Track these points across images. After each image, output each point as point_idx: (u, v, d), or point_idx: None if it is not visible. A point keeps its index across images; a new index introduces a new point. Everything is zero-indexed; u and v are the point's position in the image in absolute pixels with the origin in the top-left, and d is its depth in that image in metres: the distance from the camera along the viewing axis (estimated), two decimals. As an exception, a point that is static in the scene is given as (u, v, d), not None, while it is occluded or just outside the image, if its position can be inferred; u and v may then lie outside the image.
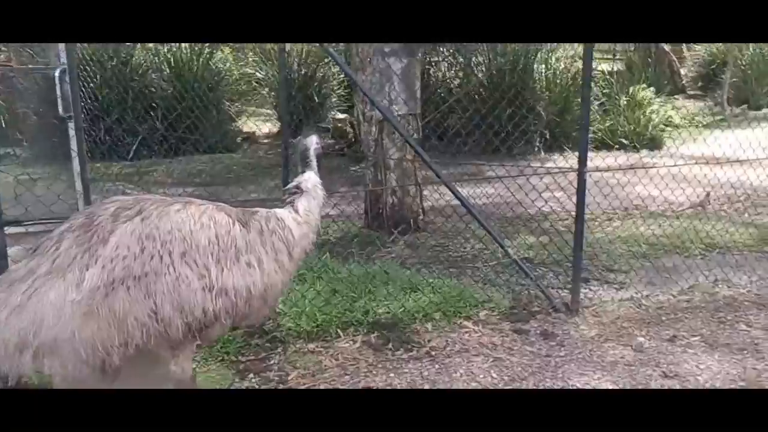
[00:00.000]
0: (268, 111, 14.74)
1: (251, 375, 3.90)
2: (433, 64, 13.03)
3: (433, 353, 4.22)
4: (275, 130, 14.59)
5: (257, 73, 14.41)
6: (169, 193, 9.02)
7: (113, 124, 10.47)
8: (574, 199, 4.86)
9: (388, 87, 6.58)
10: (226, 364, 4.00)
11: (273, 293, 3.02)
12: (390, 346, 4.29)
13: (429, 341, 4.37)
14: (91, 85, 10.27)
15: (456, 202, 5.39)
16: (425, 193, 7.45)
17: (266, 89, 14.42)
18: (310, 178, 3.22)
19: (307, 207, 3.15)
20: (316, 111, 13.28)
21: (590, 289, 5.39)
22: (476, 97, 11.97)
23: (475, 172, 10.20)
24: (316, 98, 13.34)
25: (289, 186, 3.24)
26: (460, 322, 4.65)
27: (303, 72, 13.36)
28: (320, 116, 13.41)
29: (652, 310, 4.95)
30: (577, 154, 4.87)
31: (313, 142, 3.31)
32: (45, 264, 2.57)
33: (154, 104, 11.10)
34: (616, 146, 12.24)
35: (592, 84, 13.12)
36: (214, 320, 2.77)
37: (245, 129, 13.50)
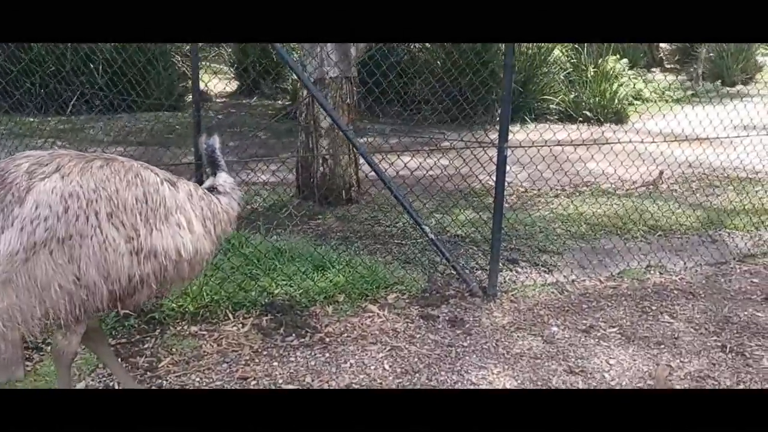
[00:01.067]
0: (225, 69, 14.16)
1: (119, 360, 3.55)
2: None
3: (327, 340, 3.90)
4: (231, 89, 14.04)
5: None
6: (105, 151, 8.56)
7: (47, 76, 9.84)
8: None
9: (320, 47, 6.11)
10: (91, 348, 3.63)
11: (200, 259, 2.79)
12: (281, 330, 3.96)
13: (326, 326, 4.04)
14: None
15: (394, 173, 5.05)
16: (361, 162, 7.05)
17: (224, 45, 13.81)
18: (226, 181, 3.08)
19: (228, 203, 3.01)
20: (274, 69, 12.71)
21: (516, 272, 5.09)
22: (438, 63, 11.53)
23: (428, 142, 9.82)
24: (273, 57, 12.74)
25: (205, 186, 3.05)
26: (365, 306, 4.32)
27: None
28: (277, 75, 12.88)
29: (574, 297, 4.67)
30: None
31: (217, 141, 3.19)
32: None
33: (94, 56, 10.45)
34: (580, 119, 11.88)
35: (560, 52, 12.81)
36: (141, 286, 2.56)
37: (201, 87, 12.93)
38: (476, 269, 5.06)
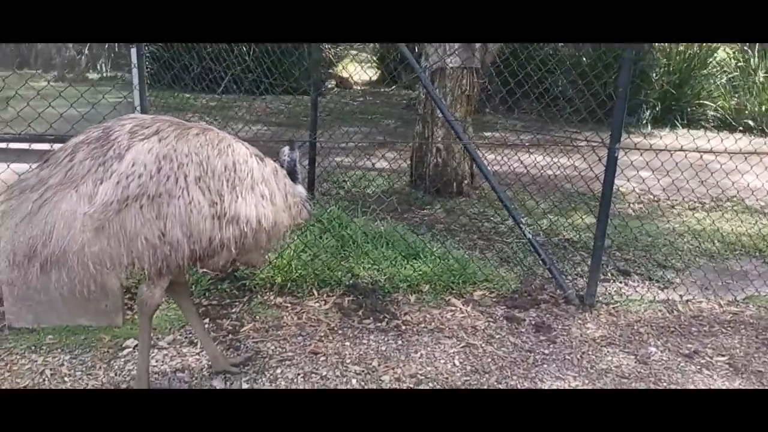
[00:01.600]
0: (371, 57, 14.51)
1: (207, 320, 3.78)
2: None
3: (403, 328, 3.87)
4: (374, 78, 14.36)
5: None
6: (247, 129, 9.16)
7: (204, 54, 10.64)
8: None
9: (444, 36, 6.03)
10: (187, 305, 3.90)
11: (278, 231, 2.92)
12: (360, 312, 3.99)
13: (405, 314, 4.02)
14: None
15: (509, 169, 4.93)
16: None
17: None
18: (302, 193, 3.16)
19: (303, 206, 3.14)
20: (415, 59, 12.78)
21: (624, 284, 4.72)
22: (583, 59, 10.95)
23: (555, 140, 9.37)
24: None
25: None
26: (449, 299, 4.24)
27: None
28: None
29: (684, 318, 4.24)
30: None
31: (297, 154, 3.27)
32: (58, 174, 2.49)
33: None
34: (740, 128, 10.72)
35: (725, 54, 11.61)
36: (220, 249, 2.69)
37: (344, 74, 13.36)
38: (580, 276, 4.77)
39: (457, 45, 6.02)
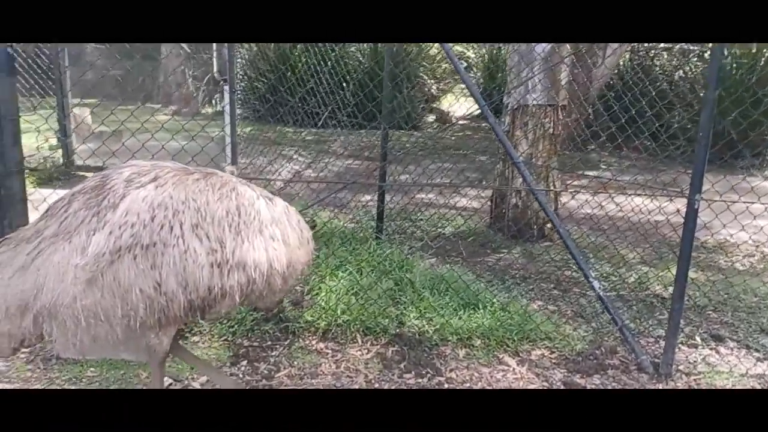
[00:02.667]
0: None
1: (244, 362, 3.72)
2: (646, 51, 11.27)
3: (445, 386, 3.60)
4: (477, 112, 14.10)
5: (467, 52, 14.03)
6: (337, 162, 9.28)
7: (306, 93, 10.97)
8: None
9: (527, 72, 5.76)
10: (229, 345, 3.87)
11: (294, 271, 2.80)
12: (403, 365, 3.76)
13: (450, 371, 3.74)
14: (287, 53, 10.88)
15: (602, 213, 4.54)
16: (564, 199, 6.48)
17: (474, 70, 13.97)
18: None
19: None
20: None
21: (715, 351, 4.14)
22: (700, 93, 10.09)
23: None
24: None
25: None
26: (502, 357, 3.90)
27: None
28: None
29: (783, 400, 3.60)
30: None
31: None
32: (53, 225, 2.50)
33: (348, 77, 11.38)
34: None
35: None
36: (221, 298, 2.59)
37: (445, 108, 13.28)
38: (662, 339, 4.24)
39: (539, 82, 5.71)
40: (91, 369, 3.56)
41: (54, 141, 7.88)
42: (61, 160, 7.60)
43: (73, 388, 3.39)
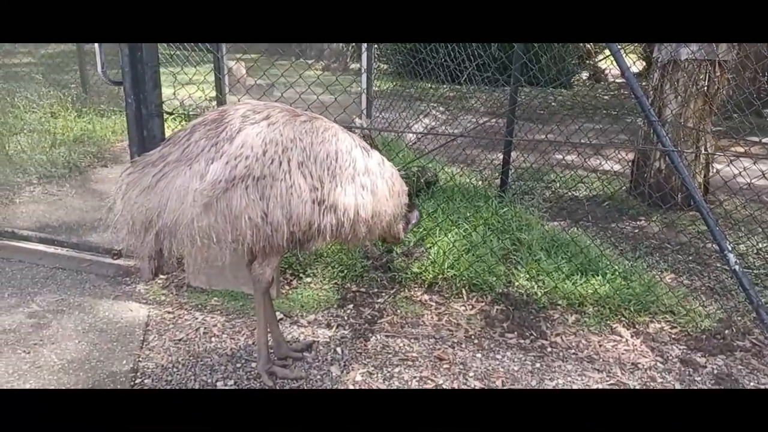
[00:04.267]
0: (636, 47, 13.16)
1: (351, 306, 3.87)
2: None
3: (548, 350, 3.48)
4: (636, 70, 13.02)
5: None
6: (475, 120, 9.12)
7: (451, 50, 10.79)
8: None
9: (681, 22, 5.18)
10: (337, 288, 4.03)
11: (380, 222, 2.92)
12: (506, 324, 3.69)
13: (556, 335, 3.60)
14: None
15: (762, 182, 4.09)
16: (720, 165, 5.82)
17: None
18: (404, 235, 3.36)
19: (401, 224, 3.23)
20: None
21: None
22: None
23: None
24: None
25: None
26: (615, 327, 3.67)
27: None
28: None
29: None
30: None
31: (414, 218, 3.42)
32: (176, 152, 2.72)
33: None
34: None
35: None
36: (317, 235, 2.78)
37: (601, 65, 12.44)
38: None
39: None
40: (215, 298, 3.90)
41: (213, 93, 8.55)
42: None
43: (198, 313, 3.74)
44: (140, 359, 3.27)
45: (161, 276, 4.10)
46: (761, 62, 6.18)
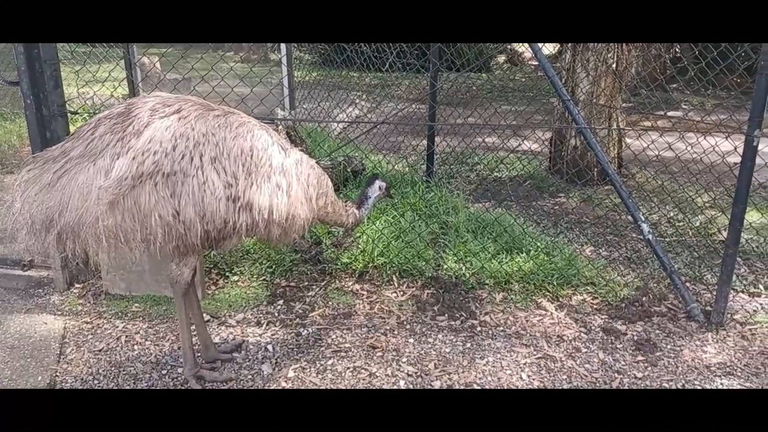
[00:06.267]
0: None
1: (281, 301, 3.81)
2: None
3: (477, 329, 3.54)
4: (549, 52, 13.42)
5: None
6: (402, 107, 9.14)
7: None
8: None
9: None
10: (266, 284, 3.96)
11: (295, 225, 2.82)
12: (436, 308, 3.73)
13: (485, 314, 3.67)
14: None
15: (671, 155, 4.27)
16: (631, 140, 6.08)
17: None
18: (357, 216, 3.28)
19: (342, 208, 3.15)
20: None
21: (780, 301, 3.84)
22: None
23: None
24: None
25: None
26: (540, 301, 3.78)
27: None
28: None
29: None
30: None
31: (375, 189, 3.35)
32: (79, 147, 2.58)
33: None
34: None
35: None
36: (233, 233, 2.68)
37: (518, 48, 12.72)
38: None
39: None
40: (136, 304, 3.75)
41: (125, 89, 8.19)
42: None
43: (118, 322, 3.58)
44: (57, 374, 3.10)
45: (77, 285, 3.90)
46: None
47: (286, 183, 2.71)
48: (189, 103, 2.65)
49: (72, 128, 3.78)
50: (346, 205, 3.17)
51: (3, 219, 2.63)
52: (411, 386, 3.06)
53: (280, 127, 4.82)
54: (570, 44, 5.65)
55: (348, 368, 3.19)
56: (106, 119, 2.57)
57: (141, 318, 3.62)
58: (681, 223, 4.96)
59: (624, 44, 5.47)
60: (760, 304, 3.78)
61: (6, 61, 3.82)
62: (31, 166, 2.58)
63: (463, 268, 4.02)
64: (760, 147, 3.28)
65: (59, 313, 3.65)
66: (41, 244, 2.53)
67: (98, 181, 2.46)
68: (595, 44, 5.44)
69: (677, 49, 10.70)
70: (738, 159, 3.34)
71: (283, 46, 7.14)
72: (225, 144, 2.59)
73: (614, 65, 5.46)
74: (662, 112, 7.94)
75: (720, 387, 3.04)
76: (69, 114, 3.68)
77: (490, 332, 3.50)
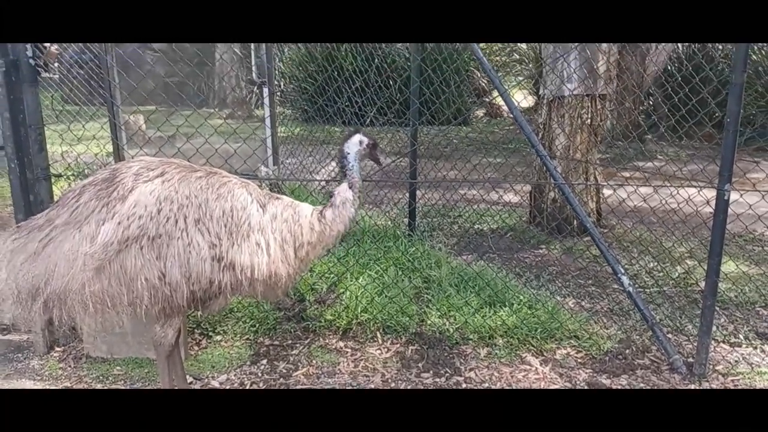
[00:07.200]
0: (526, 83, 13.95)
1: (264, 361, 3.77)
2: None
3: (463, 386, 3.53)
4: (529, 104, 13.78)
5: (520, 45, 13.70)
6: (386, 160, 9.27)
7: (353, 93, 11.02)
8: None
9: (561, 62, 5.57)
10: (250, 344, 3.93)
11: (278, 282, 2.83)
12: (421, 364, 3.72)
13: (470, 370, 3.66)
14: (335, 53, 10.94)
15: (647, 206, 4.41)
16: (609, 192, 6.21)
17: (525, 61, 13.66)
18: (340, 193, 2.95)
19: (331, 218, 2.92)
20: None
21: (761, 350, 3.88)
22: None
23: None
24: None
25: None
26: (525, 357, 3.79)
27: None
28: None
29: (831, 404, 3.33)
30: None
31: (354, 144, 3.01)
32: (64, 214, 2.61)
33: (395, 75, 11.34)
34: None
35: None
36: (218, 293, 2.70)
37: (496, 102, 13.04)
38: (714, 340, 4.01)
39: (575, 71, 5.51)
40: (118, 367, 3.70)
41: (110, 148, 8.24)
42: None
43: (99, 386, 3.53)
44: (35, 442, 3.02)
45: (57, 348, 3.85)
46: (636, 95, 6.70)
47: (264, 242, 2.74)
48: (172, 166, 2.70)
49: (55, 189, 3.81)
50: (324, 222, 2.91)
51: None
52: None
53: (263, 183, 4.88)
54: (545, 100, 5.83)
55: (333, 429, 3.15)
56: (91, 185, 2.61)
57: (122, 381, 3.57)
58: (660, 274, 5.04)
59: (597, 99, 5.65)
60: (741, 354, 3.82)
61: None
62: (16, 235, 2.60)
63: (447, 323, 4.03)
64: (733, 197, 3.39)
65: (39, 377, 3.58)
66: (27, 312, 2.53)
67: (84, 247, 2.49)
68: (570, 100, 5.61)
69: (650, 103, 11.05)
70: (711, 209, 3.44)
71: (266, 104, 7.28)
72: (208, 205, 2.64)
73: (589, 120, 5.63)
74: (639, 164, 8.14)
75: (705, 440, 3.04)
76: (53, 176, 3.71)
77: (476, 389, 3.49)
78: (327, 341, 3.96)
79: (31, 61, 3.42)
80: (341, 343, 3.94)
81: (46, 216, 2.63)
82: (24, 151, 3.52)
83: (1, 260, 2.58)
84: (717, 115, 8.64)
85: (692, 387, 3.49)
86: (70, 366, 3.70)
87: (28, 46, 3.39)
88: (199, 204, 2.62)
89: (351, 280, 4.39)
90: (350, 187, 2.97)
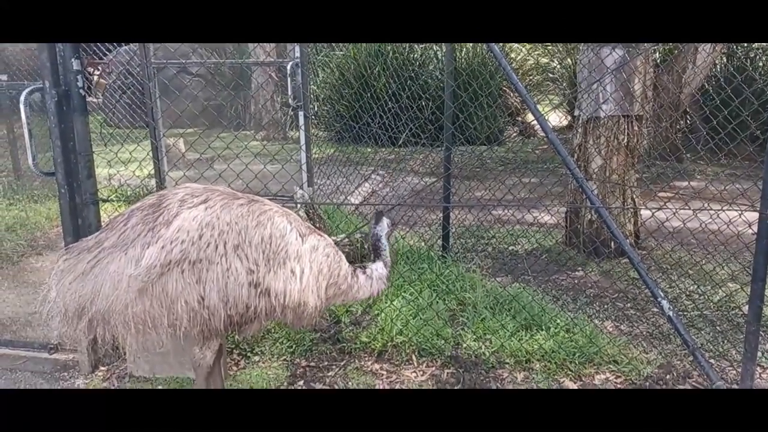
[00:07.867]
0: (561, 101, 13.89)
1: (301, 382, 3.82)
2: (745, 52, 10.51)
3: (499, 410, 3.50)
4: (561, 123, 13.72)
5: (552, 63, 13.69)
6: (419, 180, 9.33)
7: (385, 113, 11.13)
8: None
9: (598, 84, 5.55)
10: (287, 365, 3.98)
11: (305, 311, 2.90)
12: (457, 388, 3.71)
13: (506, 394, 3.63)
14: (370, 73, 11.07)
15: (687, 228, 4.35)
16: (648, 213, 6.12)
17: (561, 81, 13.61)
18: (376, 270, 3.23)
19: (363, 283, 3.16)
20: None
21: (810, 378, 3.77)
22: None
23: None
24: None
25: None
26: (562, 381, 3.75)
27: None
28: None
29: None
30: None
31: (385, 227, 3.35)
32: (112, 237, 2.73)
33: (427, 95, 11.43)
34: None
35: None
36: (254, 318, 2.79)
37: (530, 121, 13.01)
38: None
39: (611, 93, 5.49)
40: (160, 386, 3.78)
41: (151, 170, 8.48)
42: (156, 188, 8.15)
43: (141, 404, 3.60)
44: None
45: (101, 368, 3.96)
46: (674, 114, 6.63)
47: (300, 269, 2.81)
48: (216, 193, 2.79)
49: (102, 214, 3.95)
50: (357, 282, 3.13)
51: (35, 304, 2.74)
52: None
53: (299, 206, 4.96)
54: (581, 121, 5.81)
55: (369, 452, 3.16)
56: (139, 211, 2.71)
57: (163, 401, 3.64)
58: (701, 298, 4.94)
59: (634, 119, 5.61)
60: (787, 381, 3.72)
61: (42, 151, 4.02)
62: (67, 256, 2.70)
63: (483, 346, 4.02)
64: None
65: (83, 396, 3.69)
66: (73, 330, 2.63)
67: (129, 269, 2.58)
68: (606, 121, 5.58)
69: (688, 120, 10.89)
70: (753, 231, 3.38)
71: (302, 127, 7.40)
72: (247, 232, 2.71)
73: (626, 141, 5.59)
74: (677, 183, 8.01)
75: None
76: (100, 201, 3.84)
77: (513, 413, 3.47)
78: (362, 363, 3.98)
79: (81, 91, 3.57)
80: (377, 365, 3.96)
81: (95, 238, 2.74)
82: (73, 177, 3.66)
83: (51, 279, 2.70)
84: (757, 134, 8.48)
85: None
86: (113, 385, 3.80)
87: (80, 77, 3.55)
88: (239, 231, 2.70)
89: (386, 302, 4.42)
90: (385, 266, 3.26)
